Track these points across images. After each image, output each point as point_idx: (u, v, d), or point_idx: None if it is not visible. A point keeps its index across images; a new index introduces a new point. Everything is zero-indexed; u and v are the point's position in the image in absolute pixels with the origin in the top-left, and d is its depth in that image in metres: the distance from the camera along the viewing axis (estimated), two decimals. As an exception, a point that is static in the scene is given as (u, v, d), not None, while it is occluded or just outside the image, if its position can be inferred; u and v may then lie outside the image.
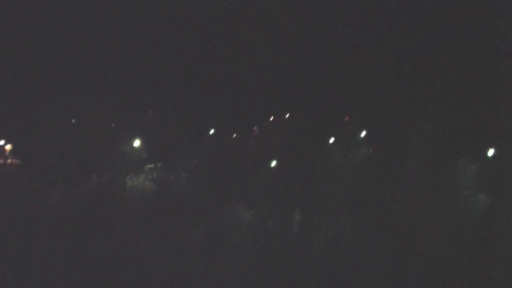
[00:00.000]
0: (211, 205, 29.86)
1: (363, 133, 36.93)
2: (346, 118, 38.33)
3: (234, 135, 37.54)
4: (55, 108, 36.29)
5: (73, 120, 38.99)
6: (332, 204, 29.82)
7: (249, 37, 35.17)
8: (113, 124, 38.43)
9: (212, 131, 37.18)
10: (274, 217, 30.03)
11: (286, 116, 37.94)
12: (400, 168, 30.88)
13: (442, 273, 26.90)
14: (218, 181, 31.94)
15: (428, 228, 27.44)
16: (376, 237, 28.18)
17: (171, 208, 29.96)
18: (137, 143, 37.46)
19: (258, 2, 35.36)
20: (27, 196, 31.81)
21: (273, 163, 33.31)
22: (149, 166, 35.65)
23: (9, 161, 36.70)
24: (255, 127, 38.16)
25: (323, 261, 27.17)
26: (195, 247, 27.85)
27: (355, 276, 26.42)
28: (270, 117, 38.07)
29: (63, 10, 36.17)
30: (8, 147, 37.03)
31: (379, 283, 26.13)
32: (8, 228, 29.03)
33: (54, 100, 36.24)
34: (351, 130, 37.40)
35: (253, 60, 35.08)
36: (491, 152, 33.03)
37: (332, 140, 35.94)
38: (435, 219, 27.66)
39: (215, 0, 35.92)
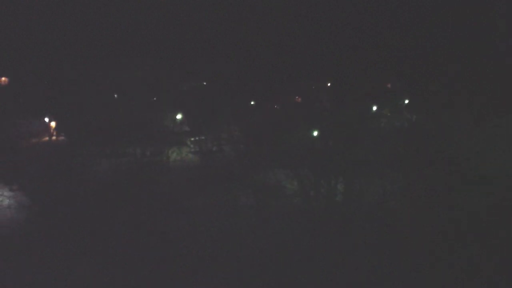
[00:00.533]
0: (255, 175, 29.85)
1: (406, 101, 36.48)
2: (389, 85, 37.83)
3: (276, 105, 37.37)
4: (98, 83, 36.67)
5: (116, 95, 39.39)
6: (375, 172, 29.44)
7: (288, 4, 34.86)
8: (155, 98, 38.67)
9: (253, 102, 37.10)
10: (317, 185, 29.88)
11: (328, 84, 37.58)
12: (444, 135, 30.27)
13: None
14: (261, 152, 31.88)
15: (479, 189, 26.72)
16: (420, 203, 27.70)
17: (216, 179, 30.06)
18: (179, 116, 37.68)
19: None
20: (73, 172, 32.28)
21: (315, 132, 33.04)
22: (191, 139, 35.86)
23: (54, 138, 37.30)
24: (297, 96, 37.90)
25: (367, 228, 26.84)
26: (243, 214, 27.88)
27: (403, 243, 25.98)
28: (312, 86, 37.75)
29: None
30: (53, 124, 37.64)
31: (432, 250, 25.49)
32: (59, 204, 29.50)
33: (97, 75, 36.60)
34: (394, 97, 36.92)
35: (294, 27, 34.70)
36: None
37: (375, 107, 35.53)
38: (484, 180, 26.95)
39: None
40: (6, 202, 27.99)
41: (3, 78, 37.42)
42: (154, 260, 24.57)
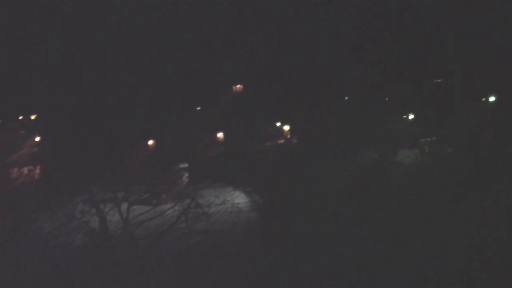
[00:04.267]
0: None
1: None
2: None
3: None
4: (330, 86, 36.87)
5: (346, 98, 39.34)
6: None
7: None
8: (387, 98, 37.85)
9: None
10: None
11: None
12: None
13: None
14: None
15: None
16: None
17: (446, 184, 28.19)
18: (410, 116, 36.39)
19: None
20: (306, 173, 32.66)
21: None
22: (422, 140, 34.35)
23: (283, 140, 38.34)
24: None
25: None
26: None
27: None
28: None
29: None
30: (286, 127, 38.81)
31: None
32: (291, 206, 29.99)
33: (327, 79, 36.84)
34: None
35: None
36: None
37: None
38: None
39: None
40: (241, 204, 29.22)
41: (238, 86, 39.49)
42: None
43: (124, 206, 28.01)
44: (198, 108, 37.67)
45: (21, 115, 37.06)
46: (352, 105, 37.53)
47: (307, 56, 36.99)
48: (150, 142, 34.50)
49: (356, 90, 37.86)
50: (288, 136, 38.93)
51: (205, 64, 36.06)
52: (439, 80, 37.48)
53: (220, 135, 37.57)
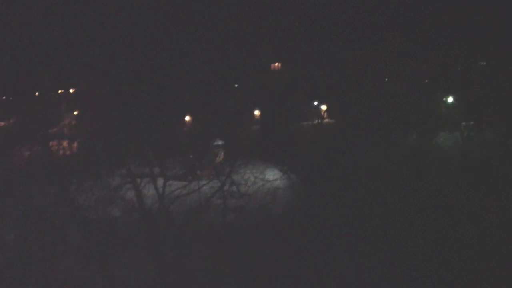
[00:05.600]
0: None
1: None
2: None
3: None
4: (370, 69, 36.32)
5: (386, 79, 38.77)
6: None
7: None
8: (426, 80, 37.21)
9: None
10: None
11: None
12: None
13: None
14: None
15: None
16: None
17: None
18: (450, 99, 35.73)
19: None
20: (344, 155, 32.35)
21: None
22: (463, 123, 33.71)
23: (324, 120, 38.04)
24: None
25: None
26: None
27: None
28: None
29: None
30: (323, 107, 38.48)
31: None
32: (327, 187, 29.79)
33: (368, 58, 36.24)
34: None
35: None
36: None
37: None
38: None
39: None
40: (277, 182, 29.14)
41: (276, 64, 39.23)
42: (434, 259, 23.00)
43: (160, 182, 28.20)
44: (236, 85, 37.55)
45: (61, 89, 37.41)
46: (393, 86, 36.99)
47: (347, 35, 36.46)
48: (187, 118, 34.54)
49: (397, 71, 37.25)
50: (325, 116, 38.58)
51: (243, 41, 35.83)
52: (483, 63, 36.67)
53: (257, 113, 37.46)
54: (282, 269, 22.77)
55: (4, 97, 37.43)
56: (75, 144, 32.60)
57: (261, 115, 37.46)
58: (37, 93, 36.97)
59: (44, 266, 22.14)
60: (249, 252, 23.31)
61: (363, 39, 35.89)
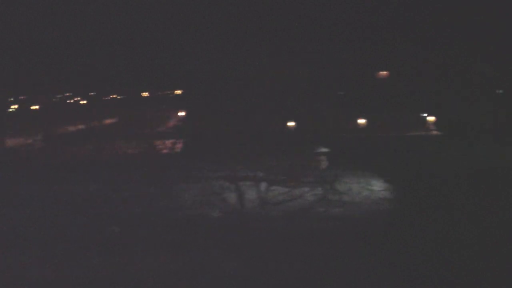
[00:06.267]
0: None
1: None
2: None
3: None
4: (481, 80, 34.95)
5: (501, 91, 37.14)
6: None
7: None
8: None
9: None
10: None
11: None
12: None
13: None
14: None
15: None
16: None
17: None
18: None
19: None
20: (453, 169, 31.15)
21: None
22: None
23: (427, 131, 36.83)
24: None
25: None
26: None
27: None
28: None
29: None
30: (430, 118, 37.21)
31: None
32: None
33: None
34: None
35: None
36: None
37: None
38: None
39: None
40: (382, 193, 28.25)
41: (384, 72, 38.36)
42: None
43: (262, 186, 28.10)
44: (341, 93, 37.04)
45: (167, 90, 38.32)
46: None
47: (457, 47, 35.19)
48: (291, 124, 34.35)
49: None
50: (432, 128, 37.34)
51: (350, 49, 35.32)
52: None
53: (362, 121, 36.69)
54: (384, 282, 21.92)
55: (114, 96, 38.89)
56: (179, 144, 33.18)
57: (366, 123, 36.69)
58: (145, 93, 38.05)
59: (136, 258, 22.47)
60: (348, 262, 22.52)
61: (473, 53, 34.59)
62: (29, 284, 19.99)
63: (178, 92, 38.21)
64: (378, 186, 28.57)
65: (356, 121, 36.05)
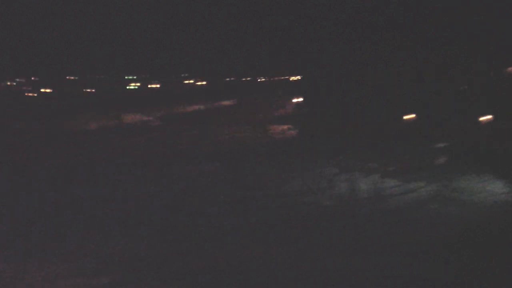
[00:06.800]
0: None
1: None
2: None
3: None
4: None
5: None
6: None
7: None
8: None
9: None
10: None
11: None
12: None
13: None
14: None
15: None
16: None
17: None
18: None
19: None
20: None
21: None
22: None
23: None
24: None
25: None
26: None
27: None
28: None
29: None
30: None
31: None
32: None
33: None
34: None
35: None
36: None
37: None
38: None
39: None
40: (504, 196, 26.78)
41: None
42: None
43: (374, 177, 27.72)
44: (464, 87, 35.48)
45: (285, 75, 38.31)
46: None
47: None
48: (411, 116, 33.47)
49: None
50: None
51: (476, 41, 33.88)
52: None
53: (485, 118, 34.88)
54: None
55: (228, 79, 39.50)
56: (294, 131, 33.24)
57: (492, 120, 34.87)
58: (261, 79, 38.34)
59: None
60: (470, 269, 21.47)
61: None
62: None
63: (295, 78, 38.11)
64: (500, 188, 27.11)
65: (479, 117, 34.39)
